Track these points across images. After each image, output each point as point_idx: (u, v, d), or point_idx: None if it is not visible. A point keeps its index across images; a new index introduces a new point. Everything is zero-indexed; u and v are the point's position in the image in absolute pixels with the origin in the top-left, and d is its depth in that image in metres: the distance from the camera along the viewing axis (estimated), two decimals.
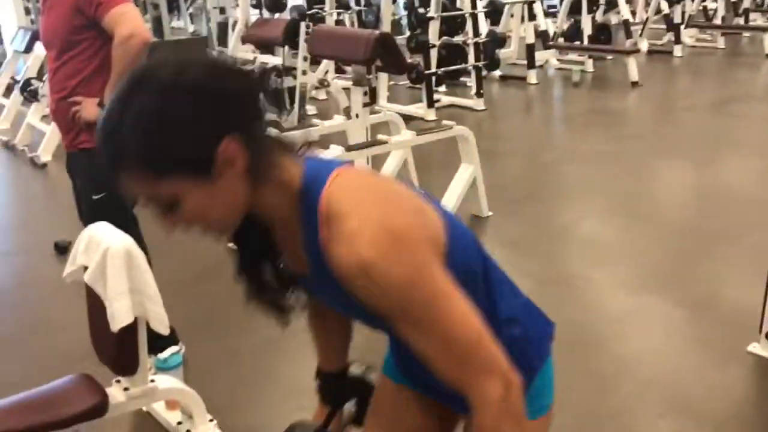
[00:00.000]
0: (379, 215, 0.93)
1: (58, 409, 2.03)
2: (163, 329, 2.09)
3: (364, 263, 0.90)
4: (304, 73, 5.18)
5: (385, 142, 3.81)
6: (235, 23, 7.09)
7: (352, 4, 7.85)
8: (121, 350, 2.13)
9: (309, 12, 7.49)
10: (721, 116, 6.69)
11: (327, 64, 5.76)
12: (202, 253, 3.93)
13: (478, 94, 7.00)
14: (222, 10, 10.67)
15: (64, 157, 2.83)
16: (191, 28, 12.75)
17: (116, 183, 0.94)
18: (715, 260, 3.61)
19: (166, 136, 0.90)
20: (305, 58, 5.15)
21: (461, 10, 7.44)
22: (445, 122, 4.08)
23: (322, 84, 5.48)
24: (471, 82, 7.68)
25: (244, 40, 5.77)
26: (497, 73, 8.27)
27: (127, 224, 2.40)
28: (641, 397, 2.59)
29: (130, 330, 2.07)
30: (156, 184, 0.92)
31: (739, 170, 5.21)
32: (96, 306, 2.13)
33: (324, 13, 7.64)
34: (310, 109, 6.15)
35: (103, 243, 2.05)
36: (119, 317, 2.02)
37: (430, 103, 6.55)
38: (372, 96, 4.07)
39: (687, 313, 3.12)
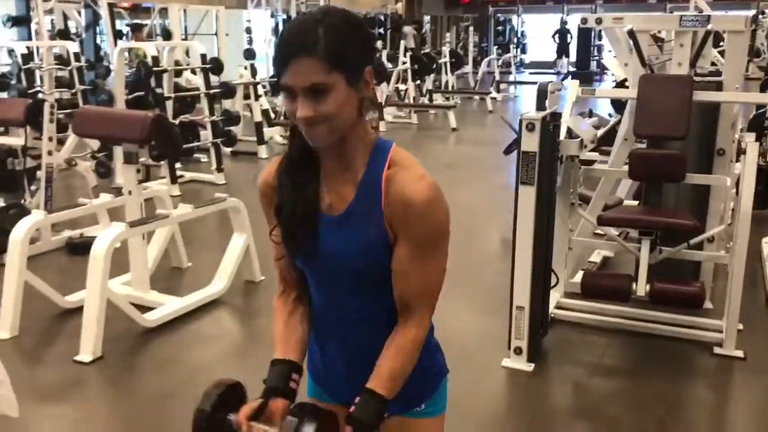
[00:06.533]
0: (431, 177, 1.34)
1: None
2: (15, 412, 2.05)
3: (432, 196, 1.32)
4: (50, 153, 5.04)
5: (167, 216, 3.94)
6: None
7: (77, 83, 7.67)
8: None
9: (30, 91, 7.18)
10: None
11: (71, 144, 5.61)
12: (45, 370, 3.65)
13: (219, 170, 7.29)
14: None
15: None
16: None
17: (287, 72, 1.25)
18: (457, 295, 4.35)
19: (348, 46, 1.27)
20: (50, 139, 5.02)
21: (194, 89, 7.73)
22: (218, 195, 4.32)
23: (70, 164, 5.34)
24: (206, 158, 7.96)
25: None
26: (228, 149, 8.64)
27: None
28: None
29: None
30: (325, 73, 1.24)
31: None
32: None
33: (45, 94, 7.36)
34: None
35: None
36: None
37: (174, 179, 6.66)
38: (147, 174, 4.15)
39: (446, 336, 3.73)
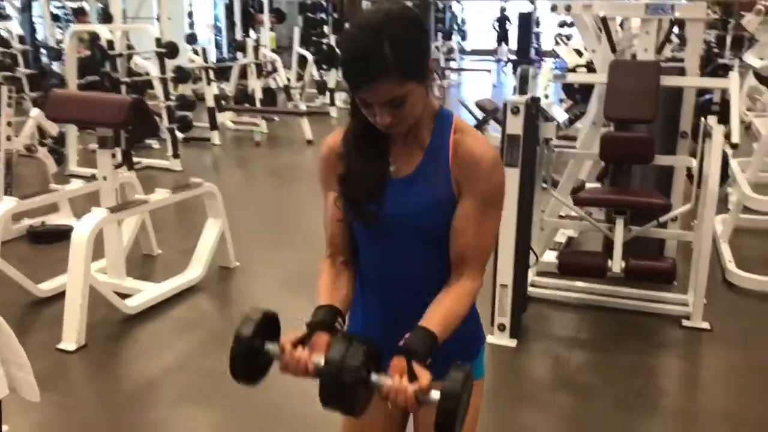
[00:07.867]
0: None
1: None
2: (36, 397, 2.03)
3: (497, 157, 1.45)
4: (8, 138, 4.88)
5: (146, 202, 3.88)
6: None
7: (22, 68, 7.40)
8: None
9: None
10: None
11: (31, 128, 5.42)
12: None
13: (175, 155, 7.16)
14: None
15: None
16: None
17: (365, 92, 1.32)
18: None
19: (414, 52, 1.34)
20: (9, 124, 4.86)
21: (142, 74, 7.56)
22: (193, 180, 4.27)
23: (30, 150, 5.17)
24: (158, 144, 7.82)
25: None
26: (180, 135, 8.49)
27: None
28: None
29: None
30: (401, 86, 1.31)
31: None
32: None
33: None
34: None
35: None
36: None
37: (130, 165, 6.48)
38: (125, 159, 4.07)
39: None
